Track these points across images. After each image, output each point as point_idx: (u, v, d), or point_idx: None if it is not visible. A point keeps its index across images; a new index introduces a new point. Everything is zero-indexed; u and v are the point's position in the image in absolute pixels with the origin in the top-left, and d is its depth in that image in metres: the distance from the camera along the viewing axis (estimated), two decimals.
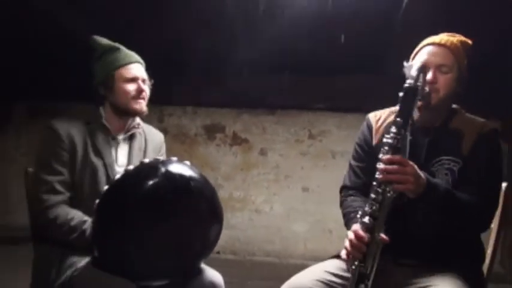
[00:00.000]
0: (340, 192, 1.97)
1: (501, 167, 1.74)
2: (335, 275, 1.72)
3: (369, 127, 1.90)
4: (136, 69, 1.96)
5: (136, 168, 1.65)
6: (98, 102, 1.99)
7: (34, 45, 3.87)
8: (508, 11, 2.86)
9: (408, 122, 1.56)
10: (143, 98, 1.95)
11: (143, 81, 1.97)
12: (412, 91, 1.55)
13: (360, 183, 1.87)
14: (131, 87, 1.92)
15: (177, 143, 4.19)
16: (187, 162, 1.74)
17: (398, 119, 1.55)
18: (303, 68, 3.78)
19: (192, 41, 3.65)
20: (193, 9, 3.31)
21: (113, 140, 1.95)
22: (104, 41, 2.02)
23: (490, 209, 1.71)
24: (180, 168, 1.67)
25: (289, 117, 4.27)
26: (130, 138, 2.01)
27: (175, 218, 1.63)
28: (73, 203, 1.84)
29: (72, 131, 1.87)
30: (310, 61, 3.68)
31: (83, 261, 1.74)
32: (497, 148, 1.73)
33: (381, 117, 1.90)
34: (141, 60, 2.03)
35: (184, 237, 1.65)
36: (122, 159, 1.96)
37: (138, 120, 2.01)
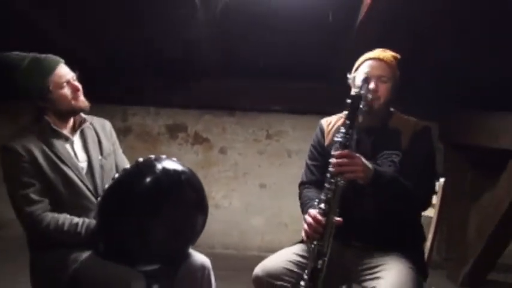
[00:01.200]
0: (299, 186, 2.24)
1: (434, 156, 2.06)
2: (301, 256, 1.98)
3: (322, 131, 2.18)
4: (63, 71, 1.99)
5: (134, 167, 1.82)
6: (39, 114, 2.00)
7: None
8: (441, 31, 3.20)
9: (355, 124, 1.83)
10: (80, 94, 2.00)
11: (73, 78, 2.00)
12: (358, 98, 1.82)
13: (314, 179, 2.14)
14: (67, 91, 1.97)
15: (140, 141, 4.26)
16: (175, 159, 1.93)
17: (347, 121, 1.82)
18: (262, 73, 3.90)
19: (157, 45, 3.72)
20: (157, 15, 3.33)
21: (67, 141, 2.01)
22: (17, 54, 1.98)
23: (428, 192, 2.01)
24: (172, 164, 1.87)
25: (248, 118, 4.38)
26: (82, 133, 2.08)
27: (170, 209, 1.82)
28: (56, 208, 1.91)
29: (27, 145, 1.91)
30: (269, 67, 3.80)
31: (84, 254, 1.86)
32: (429, 141, 2.05)
33: (331, 122, 2.18)
34: (59, 59, 2.02)
35: (177, 226, 1.85)
36: (81, 155, 2.04)
37: (83, 115, 2.08)
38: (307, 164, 2.21)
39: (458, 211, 4.04)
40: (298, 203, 3.72)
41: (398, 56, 2.07)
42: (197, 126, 4.42)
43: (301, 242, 2.05)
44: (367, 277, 1.91)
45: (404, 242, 1.98)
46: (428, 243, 2.22)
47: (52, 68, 1.94)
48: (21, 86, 1.93)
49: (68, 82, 1.97)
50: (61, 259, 1.85)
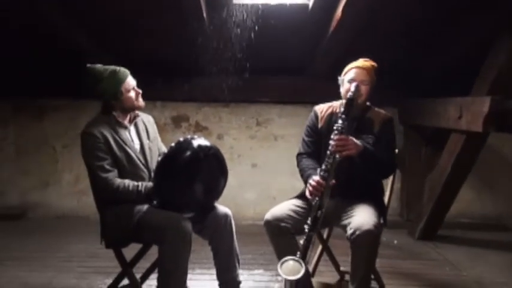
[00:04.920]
0: (297, 157, 2.90)
1: (394, 140, 2.79)
2: (299, 207, 2.68)
3: (316, 115, 2.87)
4: (131, 80, 2.67)
5: (177, 144, 2.50)
6: (108, 109, 2.64)
7: (18, 48, 4.36)
8: (400, 37, 3.89)
9: (348, 117, 2.56)
10: (140, 97, 2.69)
11: (136, 85, 2.68)
12: (352, 100, 2.57)
13: (309, 151, 2.83)
14: (133, 94, 2.66)
15: None
16: (203, 137, 2.62)
17: (343, 116, 2.55)
18: (252, 70, 4.39)
19: (162, 48, 4.30)
20: (162, 24, 3.85)
21: (126, 129, 2.67)
22: (100, 67, 2.60)
23: (392, 164, 2.74)
24: (203, 141, 2.56)
25: (240, 108, 4.96)
26: (135, 124, 2.74)
27: (204, 173, 2.51)
28: (120, 176, 2.55)
29: (102, 131, 2.54)
30: (257, 64, 4.30)
31: (145, 207, 2.55)
32: (392, 129, 2.78)
33: (323, 109, 2.88)
34: (128, 71, 2.66)
35: (208, 186, 2.57)
36: (135, 140, 2.70)
37: (136, 111, 2.74)
38: (304, 140, 2.88)
39: (415, 180, 4.82)
40: (284, 179, 4.45)
41: (376, 64, 2.76)
42: (197, 117, 4.99)
43: (298, 197, 2.75)
44: (344, 218, 2.62)
45: (369, 194, 2.71)
46: (386, 196, 2.94)
47: (124, 78, 2.64)
48: (103, 89, 2.59)
49: (133, 88, 2.68)
50: (127, 211, 2.52)
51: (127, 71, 2.69)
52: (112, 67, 2.64)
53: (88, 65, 2.63)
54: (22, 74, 4.70)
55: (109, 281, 2.92)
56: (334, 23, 3.55)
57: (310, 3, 3.60)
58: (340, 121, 2.55)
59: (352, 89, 2.61)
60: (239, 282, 2.74)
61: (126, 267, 2.69)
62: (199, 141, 2.55)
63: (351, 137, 2.53)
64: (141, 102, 2.72)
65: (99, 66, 2.64)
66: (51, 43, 4.19)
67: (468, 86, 3.69)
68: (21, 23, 3.90)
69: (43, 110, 5.03)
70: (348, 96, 2.59)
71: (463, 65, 3.89)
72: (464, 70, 3.75)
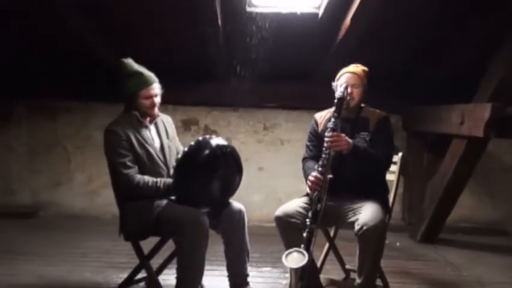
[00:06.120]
0: (302, 161, 3.06)
1: (392, 136, 2.96)
2: (307, 204, 2.80)
3: (316, 122, 3.04)
4: (153, 89, 2.70)
5: (196, 143, 2.64)
6: (129, 107, 2.74)
7: (33, 51, 4.47)
8: (405, 47, 4.06)
9: (340, 115, 2.72)
10: (154, 108, 2.74)
11: (156, 96, 2.71)
12: (342, 99, 2.73)
13: (312, 154, 2.99)
14: (147, 103, 2.70)
15: None
16: (220, 137, 2.76)
17: (335, 114, 2.72)
18: (260, 76, 4.49)
19: (175, 53, 4.41)
20: (175, 28, 3.96)
21: (146, 128, 2.80)
22: (130, 65, 2.68)
23: (387, 160, 2.87)
24: (220, 140, 2.70)
25: (248, 113, 5.08)
26: (155, 124, 2.85)
27: (220, 171, 2.64)
28: (141, 172, 2.66)
29: (124, 129, 2.66)
30: (267, 70, 4.37)
31: (164, 202, 2.66)
32: (388, 125, 2.94)
33: (322, 115, 3.04)
34: (156, 79, 2.72)
35: (225, 182, 2.69)
36: (155, 138, 2.83)
37: (157, 112, 2.82)
38: (307, 145, 3.06)
39: (417, 186, 4.95)
40: (290, 182, 4.58)
41: (367, 69, 2.93)
42: (207, 120, 5.11)
43: (306, 195, 2.88)
44: (351, 215, 2.75)
45: (375, 193, 2.83)
46: (391, 197, 3.08)
47: (146, 84, 2.72)
48: (121, 85, 2.69)
49: (151, 97, 2.73)
50: (148, 206, 2.63)
51: (153, 79, 2.75)
52: (141, 69, 2.74)
53: (121, 59, 2.73)
54: (28, 74, 4.79)
55: (124, 275, 3.05)
56: (342, 32, 3.71)
57: (320, 12, 3.75)
58: (332, 119, 2.71)
59: (341, 89, 2.77)
60: (247, 275, 2.86)
61: (144, 260, 2.80)
62: (217, 140, 2.70)
63: (343, 134, 2.69)
64: (153, 111, 2.78)
65: (130, 62, 2.73)
66: (53, 44, 4.29)
67: (470, 93, 3.82)
68: (22, 23, 3.98)
69: (55, 111, 5.14)
70: (337, 95, 2.74)
71: (466, 73, 4.03)
72: (468, 77, 3.88)
